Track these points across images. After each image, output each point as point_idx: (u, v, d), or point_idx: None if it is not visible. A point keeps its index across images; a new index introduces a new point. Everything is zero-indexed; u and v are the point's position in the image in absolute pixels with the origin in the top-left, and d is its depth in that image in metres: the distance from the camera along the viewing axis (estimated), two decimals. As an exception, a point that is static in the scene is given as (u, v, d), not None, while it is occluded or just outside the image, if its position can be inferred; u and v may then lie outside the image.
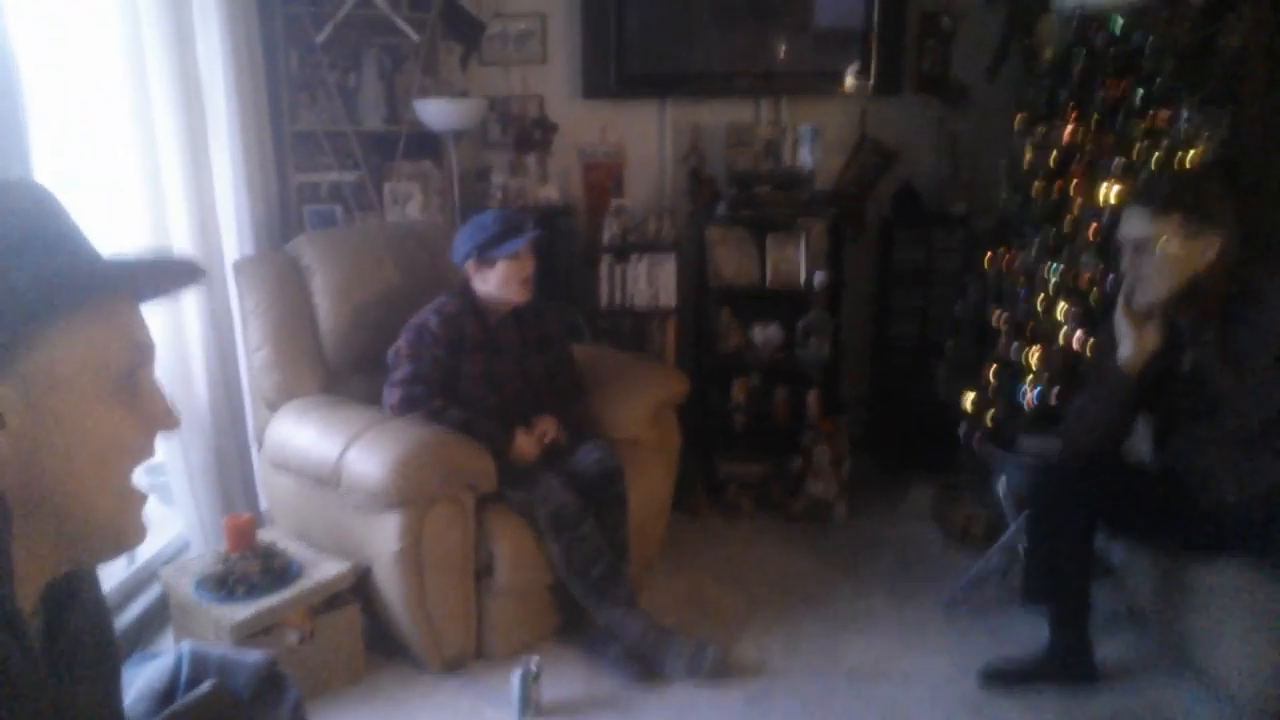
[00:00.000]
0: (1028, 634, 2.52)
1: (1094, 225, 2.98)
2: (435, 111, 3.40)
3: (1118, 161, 2.97)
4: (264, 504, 2.87)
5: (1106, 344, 2.29)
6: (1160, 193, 2.12)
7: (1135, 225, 2.12)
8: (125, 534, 0.87)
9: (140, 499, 0.88)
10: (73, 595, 0.94)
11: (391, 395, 2.58)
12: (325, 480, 2.44)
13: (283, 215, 3.30)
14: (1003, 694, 2.36)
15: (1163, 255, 2.07)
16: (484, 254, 2.62)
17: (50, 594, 0.91)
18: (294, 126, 3.34)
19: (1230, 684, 2.19)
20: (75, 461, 0.81)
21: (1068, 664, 2.36)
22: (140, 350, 0.86)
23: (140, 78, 2.53)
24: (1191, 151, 2.96)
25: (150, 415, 0.86)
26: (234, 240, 2.95)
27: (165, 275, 0.93)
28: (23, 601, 0.86)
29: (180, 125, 2.67)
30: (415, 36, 3.46)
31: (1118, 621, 2.63)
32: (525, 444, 2.61)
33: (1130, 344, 2.18)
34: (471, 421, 2.54)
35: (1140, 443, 2.44)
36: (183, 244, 2.69)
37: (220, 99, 2.84)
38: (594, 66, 3.79)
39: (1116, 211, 2.90)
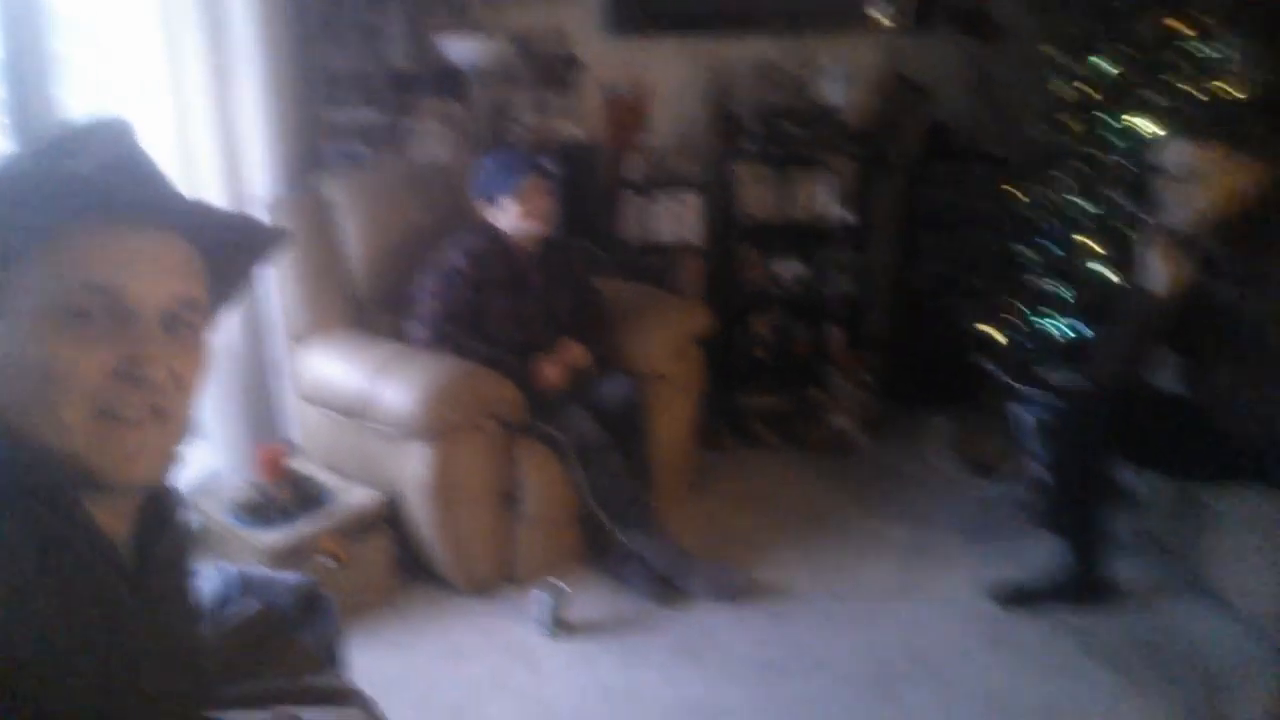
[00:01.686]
0: (1043, 557, 2.56)
1: (1126, 159, 2.95)
2: (460, 49, 3.41)
3: (1154, 96, 2.93)
4: (293, 436, 2.95)
5: (1137, 274, 2.30)
6: (1204, 123, 2.12)
7: (1176, 154, 2.13)
8: (97, 469, 0.85)
9: (117, 434, 0.86)
10: (164, 521, 0.99)
11: (418, 331, 2.64)
12: (356, 412, 2.51)
13: (309, 153, 3.32)
14: (1018, 613, 2.41)
15: (1201, 185, 2.08)
16: (489, 193, 2.68)
17: (145, 519, 0.96)
18: (320, 65, 3.35)
19: (1243, 605, 2.23)
20: (30, 392, 0.83)
21: (1085, 586, 2.41)
22: (97, 290, 0.84)
23: (167, 14, 2.57)
24: (1232, 87, 2.92)
25: (118, 357, 0.85)
26: (262, 178, 3.00)
27: (118, 205, 0.88)
28: (114, 525, 0.92)
29: (208, 64, 2.71)
30: (438, -26, 3.45)
31: (1132, 546, 2.65)
32: (548, 368, 2.65)
33: (1160, 274, 2.18)
34: (496, 355, 2.59)
35: (1167, 373, 2.46)
36: (210, 181, 2.74)
37: (247, 38, 2.86)
38: (619, 2, 3.76)
39: (1150, 145, 2.88)
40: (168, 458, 0.92)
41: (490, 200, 2.68)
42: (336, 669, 1.51)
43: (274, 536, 2.32)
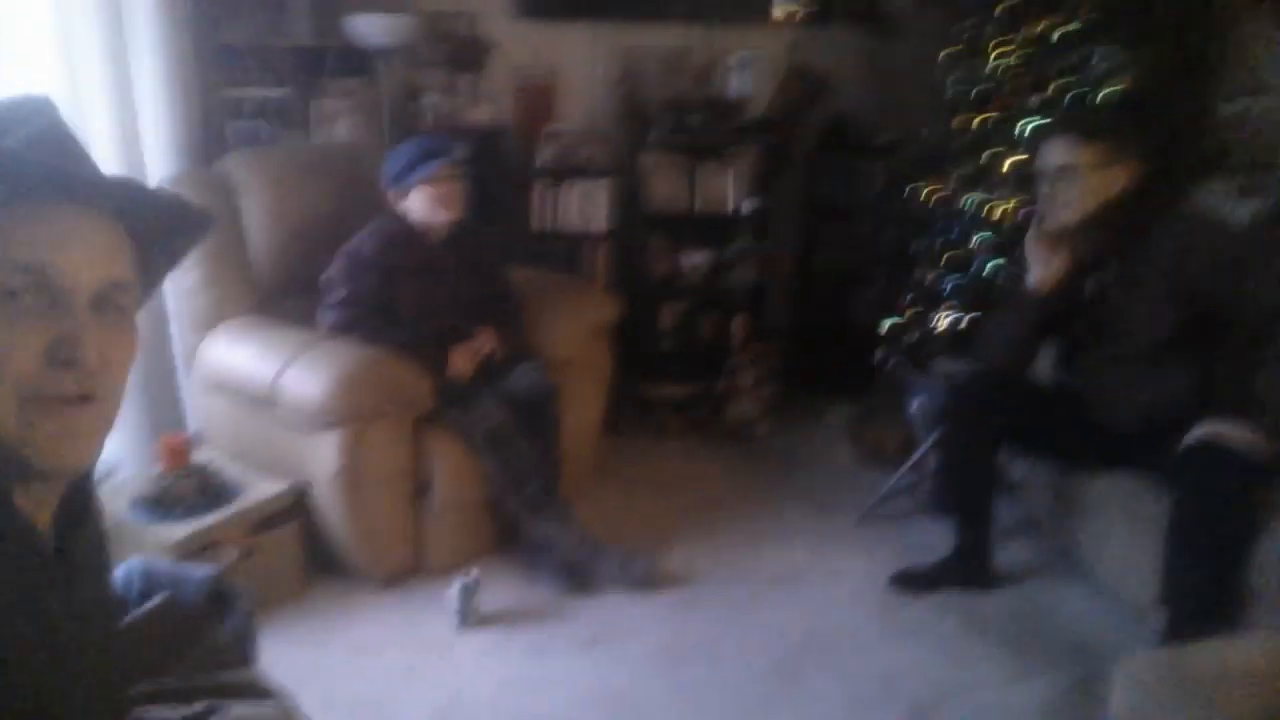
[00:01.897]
0: (934, 542, 2.70)
1: (1011, 159, 3.11)
2: (367, 27, 3.35)
3: (1036, 98, 3.09)
4: (194, 426, 2.87)
5: (1018, 269, 2.44)
6: (1084, 124, 2.25)
7: (1058, 153, 2.24)
8: (31, 453, 0.84)
9: (48, 418, 0.85)
10: (84, 511, 0.98)
11: (327, 317, 2.61)
12: (263, 400, 2.47)
13: (206, 131, 3.22)
14: (911, 597, 2.55)
15: (1081, 182, 2.20)
16: (401, 182, 2.65)
17: (64, 510, 0.94)
18: (219, 38, 3.24)
19: (1114, 585, 2.41)
20: None
21: (970, 569, 2.56)
22: (30, 272, 0.82)
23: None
24: (1104, 90, 3.10)
25: (50, 342, 0.83)
26: (158, 156, 2.89)
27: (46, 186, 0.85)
28: (36, 513, 0.90)
29: (102, 35, 2.60)
30: (344, -53, 3.37)
31: (1016, 531, 2.84)
32: (460, 359, 2.67)
33: (1041, 267, 2.32)
34: (408, 341, 2.58)
35: (1046, 365, 2.61)
36: (106, 158, 2.64)
37: (143, 7, 2.76)
38: (530, -16, 3.75)
39: (1034, 145, 3.04)
40: (97, 443, 0.91)
41: (403, 188, 2.65)
42: (251, 664, 1.51)
43: (178, 530, 2.26)
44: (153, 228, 0.96)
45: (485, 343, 2.74)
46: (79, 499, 0.98)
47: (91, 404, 0.87)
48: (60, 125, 0.91)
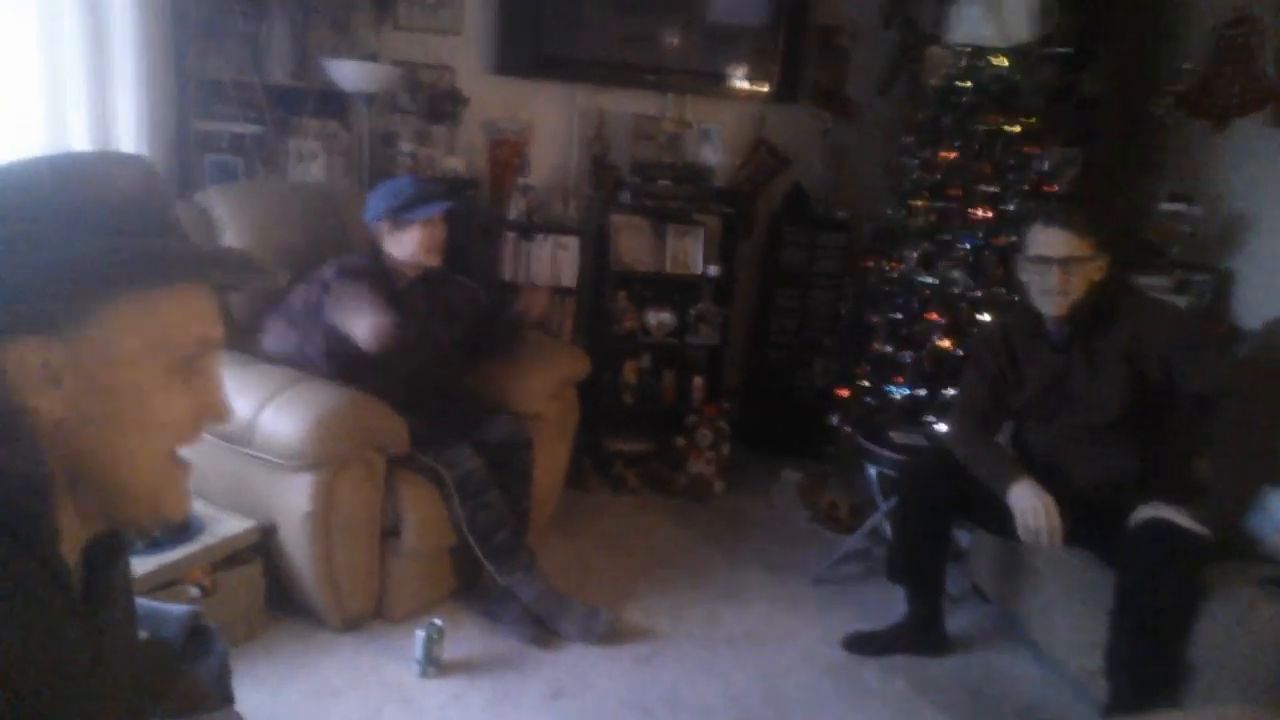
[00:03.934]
0: (886, 605, 2.79)
1: (966, 242, 3.29)
2: (347, 73, 3.39)
3: (991, 189, 3.28)
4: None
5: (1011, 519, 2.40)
6: (1081, 218, 2.37)
7: (1058, 244, 2.33)
8: (163, 506, 0.90)
9: (182, 475, 0.91)
10: (117, 554, 0.99)
11: (274, 341, 2.66)
12: (236, 439, 2.43)
13: (181, 163, 3.21)
14: (863, 659, 2.62)
15: (1083, 270, 2.32)
16: (398, 216, 2.65)
17: (95, 551, 0.95)
18: (198, 73, 3.25)
19: (1057, 652, 2.52)
20: (120, 433, 0.85)
21: (921, 634, 2.65)
22: (204, 344, 0.89)
23: (49, 12, 2.46)
24: (1055, 185, 3.30)
25: (202, 404, 0.89)
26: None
27: (243, 272, 0.96)
28: (68, 555, 0.90)
29: (86, 66, 2.60)
30: (329, -8, 3.43)
31: (964, 598, 2.95)
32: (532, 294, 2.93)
33: (1033, 524, 2.27)
34: (378, 383, 2.59)
35: (1001, 438, 2.73)
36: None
37: (127, 40, 2.76)
38: (508, 43, 3.84)
39: (989, 232, 3.22)
40: None
41: (394, 223, 2.64)
42: (232, 703, 1.49)
43: (141, 565, 2.21)
44: (225, 286, 1.02)
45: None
46: (111, 541, 1.00)
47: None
48: (167, 197, 0.95)
